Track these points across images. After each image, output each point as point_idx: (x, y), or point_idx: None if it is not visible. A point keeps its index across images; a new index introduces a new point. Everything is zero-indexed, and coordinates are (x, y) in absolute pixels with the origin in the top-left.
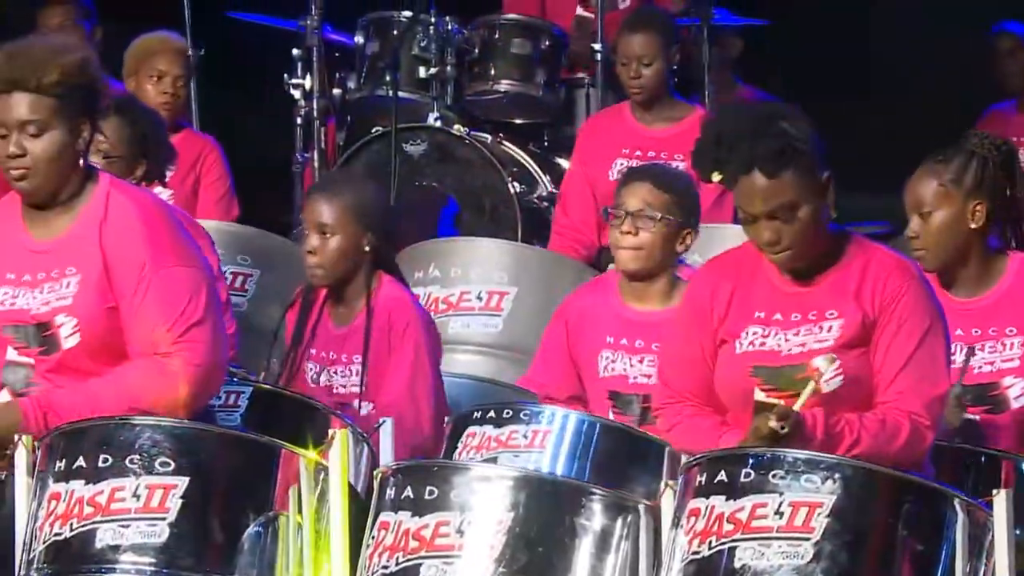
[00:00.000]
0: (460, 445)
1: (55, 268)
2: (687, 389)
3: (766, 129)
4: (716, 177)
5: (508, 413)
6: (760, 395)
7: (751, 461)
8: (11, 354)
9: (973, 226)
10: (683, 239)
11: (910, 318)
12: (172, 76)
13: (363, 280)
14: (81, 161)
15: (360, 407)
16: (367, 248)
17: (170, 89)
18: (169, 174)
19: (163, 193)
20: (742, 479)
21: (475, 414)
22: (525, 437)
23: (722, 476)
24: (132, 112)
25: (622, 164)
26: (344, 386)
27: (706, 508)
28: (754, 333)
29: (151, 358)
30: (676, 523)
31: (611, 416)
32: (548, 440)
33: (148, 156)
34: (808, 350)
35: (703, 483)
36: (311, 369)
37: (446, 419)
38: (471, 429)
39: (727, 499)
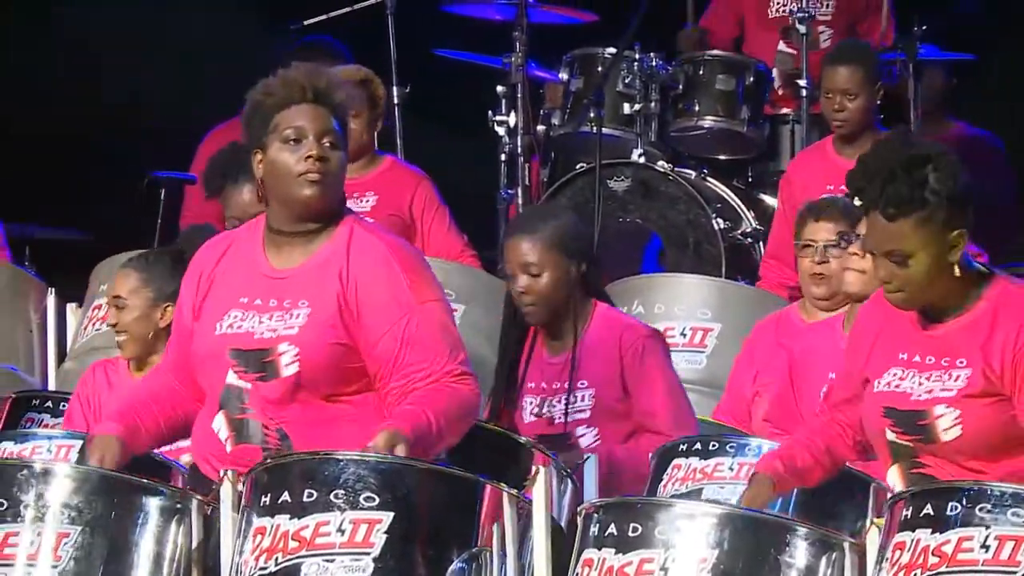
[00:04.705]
0: (665, 477)
1: (287, 297)
2: (841, 400)
3: (905, 173)
4: (857, 202)
5: (714, 445)
6: (891, 436)
7: (958, 494)
8: (231, 377)
9: None
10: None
11: None
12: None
13: (577, 308)
14: None
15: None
16: (575, 277)
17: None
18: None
19: None
20: (948, 512)
21: (681, 446)
22: (731, 469)
23: (928, 509)
24: None
25: None
26: (567, 414)
27: (911, 541)
28: (894, 374)
29: (443, 382)
30: (881, 558)
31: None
32: None
33: None
34: (934, 397)
35: (909, 516)
36: (530, 403)
37: (650, 454)
38: (676, 461)
39: (932, 532)
